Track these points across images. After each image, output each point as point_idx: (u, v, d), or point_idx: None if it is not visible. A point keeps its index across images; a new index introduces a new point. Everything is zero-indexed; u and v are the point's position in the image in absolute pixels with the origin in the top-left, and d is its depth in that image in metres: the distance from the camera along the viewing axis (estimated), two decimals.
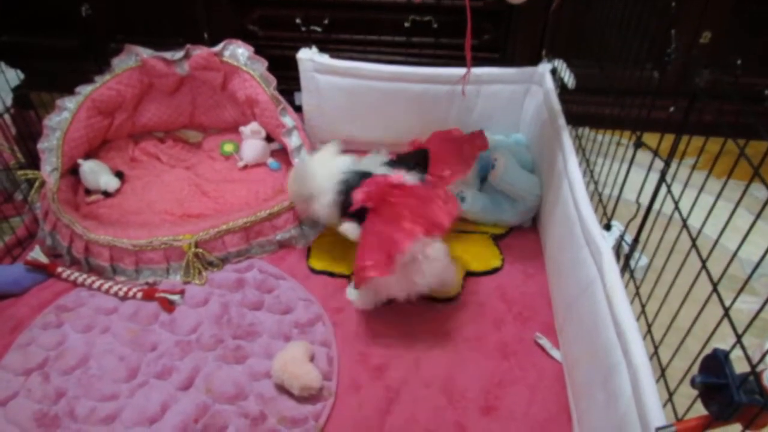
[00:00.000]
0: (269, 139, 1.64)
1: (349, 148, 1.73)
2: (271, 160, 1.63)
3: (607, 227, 1.03)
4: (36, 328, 1.23)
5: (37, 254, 1.34)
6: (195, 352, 1.18)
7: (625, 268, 0.98)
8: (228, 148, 1.67)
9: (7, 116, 1.49)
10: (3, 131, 1.49)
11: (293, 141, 1.50)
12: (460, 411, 1.09)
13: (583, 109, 1.33)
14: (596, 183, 1.16)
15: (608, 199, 1.09)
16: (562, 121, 1.34)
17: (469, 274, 1.35)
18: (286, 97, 1.58)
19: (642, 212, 0.94)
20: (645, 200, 0.94)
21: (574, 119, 1.34)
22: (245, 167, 1.61)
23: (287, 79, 1.65)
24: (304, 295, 1.31)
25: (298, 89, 1.68)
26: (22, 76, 1.58)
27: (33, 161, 1.52)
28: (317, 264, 1.38)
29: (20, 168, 1.50)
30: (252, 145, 1.61)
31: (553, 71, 1.51)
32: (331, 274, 1.36)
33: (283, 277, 1.35)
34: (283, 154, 1.55)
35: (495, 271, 1.37)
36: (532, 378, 1.14)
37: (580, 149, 1.26)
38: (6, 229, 1.46)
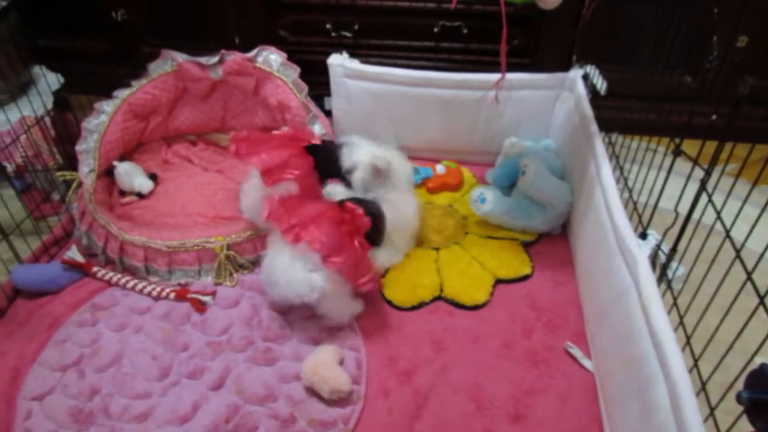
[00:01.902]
0: None
1: None
2: None
3: (643, 236, 1.01)
4: (72, 325, 1.25)
5: (73, 253, 1.37)
6: (226, 353, 1.19)
7: (662, 277, 0.96)
8: None
9: (47, 118, 1.53)
10: (43, 133, 1.52)
11: None
12: (488, 418, 1.08)
13: (615, 115, 1.32)
14: (630, 191, 1.14)
15: (644, 207, 1.07)
16: (594, 127, 1.32)
17: (499, 281, 1.35)
18: (316, 102, 1.59)
19: (680, 221, 0.92)
20: (683, 209, 0.92)
21: (606, 125, 1.33)
22: None
23: (316, 84, 1.66)
24: None
25: (328, 94, 1.69)
26: (62, 79, 1.62)
27: (70, 162, 1.56)
28: None
29: (58, 169, 1.53)
30: None
31: (585, 77, 1.49)
32: None
33: None
34: None
35: (525, 278, 1.36)
36: (562, 387, 1.13)
37: (614, 156, 1.25)
38: (44, 228, 1.50)
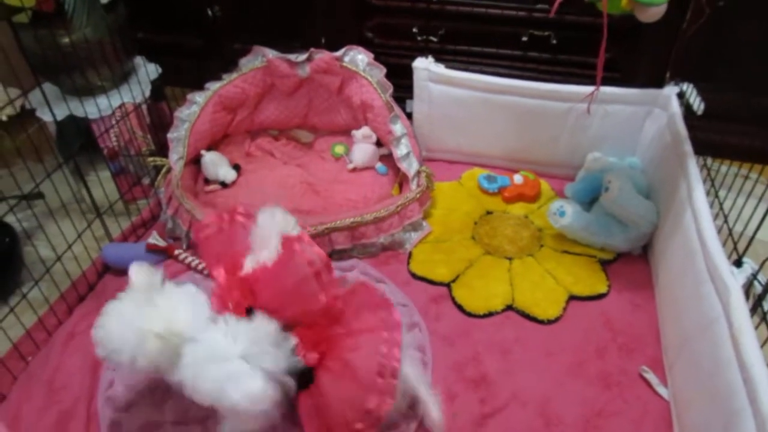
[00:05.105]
0: (379, 143, 1.67)
1: (455, 158, 1.74)
2: (379, 165, 1.67)
3: (738, 264, 0.96)
4: None
5: (155, 239, 1.43)
6: None
7: (756, 309, 0.91)
8: (339, 150, 1.72)
9: (144, 106, 1.61)
10: (139, 120, 1.61)
11: (401, 149, 1.52)
12: None
13: (709, 137, 1.26)
14: (726, 216, 1.09)
15: (739, 236, 1.02)
16: (688, 147, 1.27)
17: (572, 297, 1.32)
18: (399, 105, 1.60)
19: None
20: None
21: (700, 147, 1.27)
22: (354, 170, 1.66)
23: (398, 87, 1.67)
24: (403, 299, 1.31)
25: (410, 97, 1.70)
26: (160, 70, 1.71)
27: (161, 149, 1.64)
28: (417, 269, 1.39)
29: (150, 155, 1.61)
30: (362, 148, 1.65)
31: (680, 94, 1.44)
32: (430, 282, 1.36)
33: (382, 280, 1.37)
34: (391, 159, 1.57)
35: (600, 296, 1.32)
36: (635, 412, 1.09)
37: (708, 179, 1.19)
38: (133, 210, 1.58)
